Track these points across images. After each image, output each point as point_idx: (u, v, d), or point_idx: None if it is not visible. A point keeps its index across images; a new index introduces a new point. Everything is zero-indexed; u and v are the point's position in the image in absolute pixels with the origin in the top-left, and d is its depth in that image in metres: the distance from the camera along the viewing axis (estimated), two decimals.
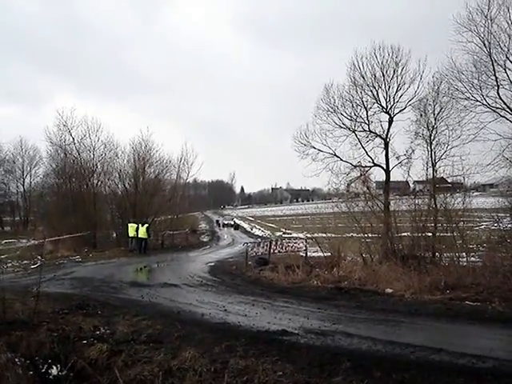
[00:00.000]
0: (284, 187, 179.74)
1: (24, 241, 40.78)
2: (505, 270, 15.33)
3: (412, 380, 7.26)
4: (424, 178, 22.20)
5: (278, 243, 25.67)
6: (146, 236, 33.93)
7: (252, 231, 58.96)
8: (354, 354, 8.62)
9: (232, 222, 79.72)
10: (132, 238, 34.32)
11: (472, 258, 18.10)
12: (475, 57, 19.07)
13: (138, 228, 33.89)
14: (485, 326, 11.02)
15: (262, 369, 7.94)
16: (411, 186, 25.62)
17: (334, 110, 23.58)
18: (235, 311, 12.98)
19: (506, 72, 18.67)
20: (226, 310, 13.02)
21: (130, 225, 34.35)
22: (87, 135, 39.66)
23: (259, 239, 36.03)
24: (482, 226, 26.08)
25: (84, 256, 31.21)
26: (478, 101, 19.29)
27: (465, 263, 17.56)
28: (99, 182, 41.12)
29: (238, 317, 12.19)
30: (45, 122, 45.41)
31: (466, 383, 6.98)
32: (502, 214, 20.04)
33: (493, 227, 21.55)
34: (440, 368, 7.75)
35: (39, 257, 28.50)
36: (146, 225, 34.73)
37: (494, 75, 18.83)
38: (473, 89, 19.32)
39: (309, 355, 8.63)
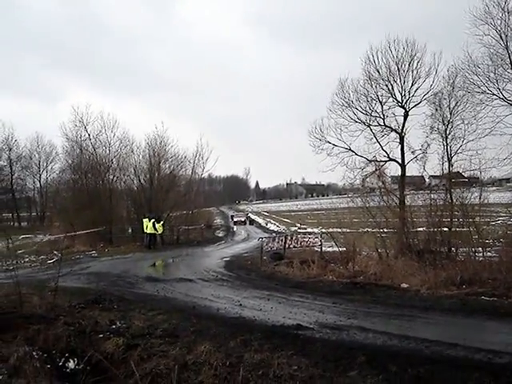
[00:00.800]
0: (299, 182, 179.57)
1: (41, 236, 41.08)
2: None
3: (427, 375, 7.24)
4: (440, 173, 22.05)
5: (293, 238, 25.66)
6: (159, 231, 34.21)
7: (267, 226, 59.02)
8: (369, 349, 8.61)
9: (243, 219, 78.64)
10: (147, 233, 34.51)
11: (488, 253, 17.96)
12: (491, 50, 18.89)
13: (153, 223, 34.08)
14: (501, 322, 10.94)
15: (277, 363, 7.97)
16: (427, 180, 25.48)
17: (349, 105, 23.51)
18: (250, 306, 13.00)
19: None
20: (241, 305, 13.05)
21: (144, 220, 34.51)
22: (103, 131, 39.97)
23: (274, 234, 36.03)
24: (499, 221, 25.85)
25: (100, 251, 31.46)
26: (494, 94, 19.13)
27: (481, 258, 17.41)
28: (115, 178, 41.33)
29: (253, 311, 12.22)
30: (60, 118, 46.85)
31: (481, 378, 6.94)
32: None
33: (509, 222, 21.40)
34: (455, 363, 7.72)
35: (56, 252, 28.75)
36: (162, 221, 35.07)
37: (511, 68, 18.65)
38: (489, 82, 19.16)
39: (324, 349, 8.64)
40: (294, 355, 8.36)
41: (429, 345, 8.79)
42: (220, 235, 51.96)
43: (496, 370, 7.31)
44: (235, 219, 77.94)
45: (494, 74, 19.02)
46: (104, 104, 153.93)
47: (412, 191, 24.42)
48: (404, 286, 15.43)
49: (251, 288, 16.10)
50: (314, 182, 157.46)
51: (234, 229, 61.27)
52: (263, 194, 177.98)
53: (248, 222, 75.27)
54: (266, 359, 8.19)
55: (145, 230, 34.09)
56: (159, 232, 35.13)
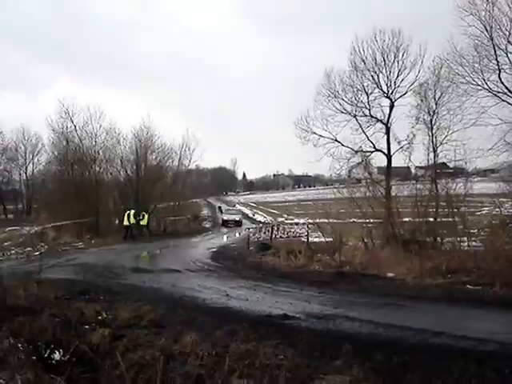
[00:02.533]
0: (286, 174, 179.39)
1: (27, 228, 40.81)
2: (506, 255, 15.31)
3: (413, 363, 7.26)
4: (425, 164, 22.19)
5: (280, 229, 25.74)
6: (144, 223, 34.46)
7: (254, 217, 59.06)
8: (355, 338, 8.63)
9: (237, 218, 53.80)
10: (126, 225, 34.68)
11: (473, 243, 18.13)
12: (476, 41, 18.97)
13: (135, 215, 34.33)
14: (486, 310, 11.07)
15: (264, 352, 7.95)
16: (413, 171, 25.61)
17: (335, 95, 23.58)
18: (237, 296, 13.02)
19: (507, 56, 18.59)
20: (227, 295, 13.05)
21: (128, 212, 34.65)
22: (89, 122, 39.63)
23: (261, 225, 36.07)
24: (484, 211, 26.08)
25: (87, 242, 31.33)
26: (479, 85, 19.22)
27: (466, 248, 17.59)
28: (101, 169, 41.15)
29: (239, 301, 12.24)
30: (45, 109, 45.99)
31: (466, 366, 6.97)
32: (504, 199, 20.04)
33: (494, 212, 21.55)
34: (441, 351, 7.76)
35: (42, 244, 28.60)
36: (144, 213, 35.32)
37: (496, 59, 18.74)
38: (474, 73, 19.24)
39: (310, 339, 8.64)
40: (280, 345, 8.35)
41: (414, 333, 8.84)
42: (207, 226, 51.96)
43: (481, 357, 7.34)
44: (225, 217, 52.03)
45: (479, 64, 19.12)
46: (90, 95, 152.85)
47: (398, 182, 24.53)
48: (390, 275, 15.52)
49: (238, 278, 16.15)
50: (301, 173, 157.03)
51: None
52: (250, 186, 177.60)
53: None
54: (253, 349, 8.16)
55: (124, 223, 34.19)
56: (144, 224, 35.30)
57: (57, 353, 9.23)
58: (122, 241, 32.75)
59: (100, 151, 40.58)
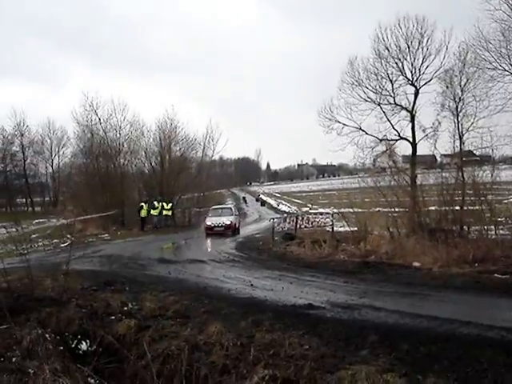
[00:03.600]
0: (310, 163, 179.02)
1: (54, 220, 41.35)
2: None
3: (439, 353, 7.20)
4: (451, 151, 21.88)
5: (305, 218, 25.68)
6: (168, 213, 34.82)
7: (278, 207, 58.93)
8: (380, 328, 8.58)
9: (227, 221, 33.17)
10: (156, 215, 35.00)
11: (501, 231, 17.88)
12: (503, 25, 18.59)
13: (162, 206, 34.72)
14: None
15: (289, 342, 7.96)
16: (438, 159, 25.30)
17: (359, 84, 23.30)
18: (261, 286, 13.03)
19: None
20: (252, 285, 13.07)
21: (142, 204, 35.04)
22: (113, 115, 40.10)
23: (285, 215, 36.07)
24: (511, 199, 25.69)
25: (112, 234, 31.68)
26: (506, 70, 18.88)
27: (493, 236, 17.33)
28: (126, 161, 41.56)
29: (264, 291, 12.23)
30: (70, 101, 46.06)
31: (494, 356, 6.88)
32: None
33: None
34: (468, 341, 7.67)
35: (69, 235, 28.93)
36: (171, 204, 35.69)
37: None
38: (501, 58, 18.90)
39: (335, 329, 8.62)
40: (305, 335, 8.36)
41: (441, 323, 8.74)
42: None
43: (509, 347, 7.25)
44: (208, 222, 30.76)
45: (506, 49, 18.75)
46: (114, 87, 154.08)
47: (423, 170, 24.27)
48: (416, 264, 15.36)
49: (262, 268, 16.14)
50: (325, 163, 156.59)
51: (246, 210, 61.10)
52: (274, 176, 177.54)
53: (260, 204, 70.22)
54: (277, 339, 8.18)
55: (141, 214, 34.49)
56: (169, 214, 35.73)
57: (84, 343, 9.36)
58: (148, 231, 32.98)
59: (124, 143, 41.06)
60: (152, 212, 34.76)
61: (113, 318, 10.37)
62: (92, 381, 7.68)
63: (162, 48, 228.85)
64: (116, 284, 13.50)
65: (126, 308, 11.09)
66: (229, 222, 29.80)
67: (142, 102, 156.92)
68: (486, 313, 9.74)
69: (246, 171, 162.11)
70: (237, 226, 31.34)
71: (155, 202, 35.08)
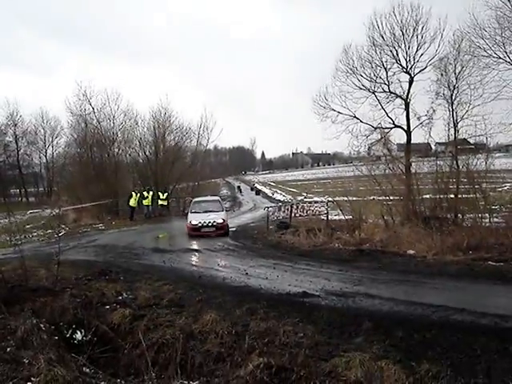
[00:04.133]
0: (305, 152, 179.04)
1: (48, 211, 41.21)
2: None
3: (433, 340, 7.24)
4: (446, 139, 21.86)
5: (299, 207, 25.66)
6: (135, 205, 34.61)
7: (273, 196, 58.87)
8: (375, 315, 8.62)
9: (218, 219, 24.01)
10: (147, 205, 34.98)
11: (495, 219, 17.93)
12: (498, 12, 18.51)
13: (153, 195, 35.04)
14: (508, 286, 10.94)
15: (283, 331, 7.99)
16: (433, 147, 25.30)
17: (353, 72, 23.22)
18: (256, 274, 13.05)
19: None
20: (247, 274, 13.10)
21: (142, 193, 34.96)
22: (107, 104, 39.75)
23: (280, 204, 36.07)
24: (506, 187, 25.79)
25: (107, 224, 31.54)
26: (500, 58, 18.81)
27: (488, 224, 17.37)
28: (120, 151, 41.32)
29: (259, 280, 12.26)
30: (61, 89, 45.90)
31: (488, 343, 6.93)
32: None
33: None
34: (462, 328, 7.72)
35: (63, 226, 28.86)
36: (166, 193, 35.62)
37: None
38: (495, 45, 18.83)
39: (330, 317, 8.66)
40: (299, 322, 8.39)
41: (435, 310, 8.78)
42: (226, 206, 52.00)
43: (503, 334, 7.29)
44: (193, 221, 23.35)
45: (501, 36, 18.68)
46: (107, 77, 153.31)
47: (418, 158, 24.27)
48: (410, 252, 15.40)
49: (257, 257, 16.13)
50: (320, 152, 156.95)
51: (241, 199, 61.03)
52: (269, 164, 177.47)
53: (255, 193, 69.15)
54: (272, 327, 8.22)
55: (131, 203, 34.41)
56: (164, 203, 35.73)
57: (78, 333, 9.37)
58: (142, 221, 32.92)
59: (118, 133, 40.78)
60: (144, 202, 34.70)
61: (107, 307, 10.40)
62: (87, 370, 7.66)
63: (157, 36, 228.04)
64: (110, 273, 13.50)
65: (120, 297, 11.11)
66: (221, 221, 23.17)
67: (136, 92, 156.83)
68: (479, 300, 9.79)
69: (241, 160, 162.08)
70: (226, 225, 23.61)
71: (145, 192, 35.01)
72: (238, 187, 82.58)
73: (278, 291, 10.89)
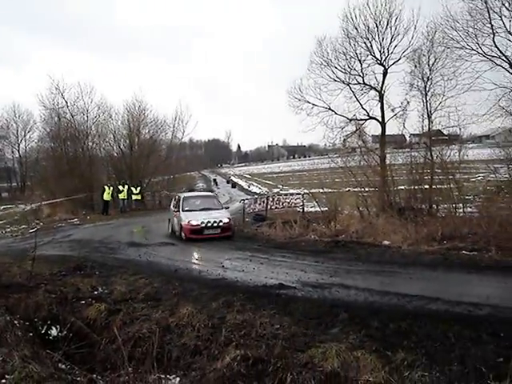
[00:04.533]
0: (280, 144, 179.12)
1: (22, 206, 40.73)
2: (501, 220, 15.33)
3: (409, 329, 7.29)
4: (420, 131, 22.05)
5: (275, 199, 25.68)
6: (109, 199, 34.38)
7: (249, 188, 58.86)
8: (351, 306, 8.67)
9: (225, 218, 19.56)
10: (123, 199, 34.77)
11: (469, 209, 18.14)
12: (470, 4, 18.64)
13: (128, 189, 34.84)
14: (481, 275, 11.08)
15: (260, 323, 8.00)
16: (408, 138, 25.49)
17: (328, 64, 23.26)
18: (233, 267, 13.06)
19: (501, 19, 18.28)
20: (223, 267, 13.10)
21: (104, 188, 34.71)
22: (80, 97, 39.24)
23: (256, 196, 36.06)
24: (479, 177, 26.03)
25: (82, 218, 31.28)
26: (473, 49, 18.96)
27: (462, 214, 17.60)
28: (94, 145, 40.88)
29: (235, 272, 12.27)
30: (34, 83, 45.06)
31: (462, 331, 7.00)
32: (499, 165, 19.97)
33: (489, 178, 21.52)
34: (436, 316, 7.79)
35: (37, 221, 28.56)
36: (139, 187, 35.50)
37: (490, 23, 18.44)
38: (468, 37, 18.96)
39: (306, 308, 8.68)
40: (276, 314, 8.40)
41: (410, 300, 8.87)
42: None
43: (476, 321, 7.38)
44: (193, 221, 18.94)
45: (473, 28, 18.81)
46: (80, 70, 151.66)
47: (393, 149, 24.44)
48: (386, 243, 15.51)
49: (234, 250, 16.15)
50: (296, 144, 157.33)
51: (216, 192, 60.94)
52: (245, 157, 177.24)
53: (231, 185, 68.64)
54: (249, 319, 8.22)
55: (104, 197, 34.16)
56: (138, 198, 35.60)
57: (53, 329, 9.27)
58: (118, 215, 32.70)
59: (92, 126, 40.31)
60: (119, 196, 34.49)
61: (83, 302, 10.32)
62: (62, 366, 7.58)
63: (131, 30, 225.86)
64: (86, 268, 13.42)
65: (96, 292, 11.04)
66: (227, 220, 19.35)
67: (110, 85, 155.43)
68: (454, 289, 9.92)
69: (217, 153, 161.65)
70: (230, 224, 19.69)
71: (120, 186, 34.79)
72: (214, 180, 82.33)
73: (254, 283, 10.89)
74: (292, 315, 8.32)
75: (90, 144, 40.29)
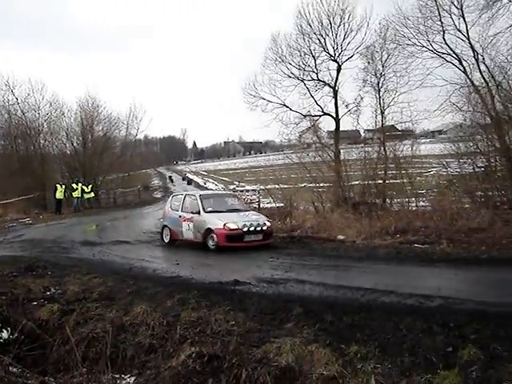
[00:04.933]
0: (236, 140, 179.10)
1: None
2: (452, 213, 15.70)
3: (362, 322, 7.36)
4: (374, 126, 22.39)
5: None
6: (62, 197, 33.77)
7: (205, 185, 58.67)
8: (305, 301, 8.69)
9: (262, 221, 15.59)
10: (77, 198, 34.19)
11: (421, 203, 18.53)
12: (421, 2, 19.11)
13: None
14: (433, 267, 11.30)
15: (215, 319, 7.95)
16: (362, 134, 25.85)
17: (282, 60, 23.50)
18: (188, 264, 13.04)
19: (451, 17, 18.77)
20: (178, 264, 13.00)
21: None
22: (31, 94, 38.52)
23: None
24: (432, 172, 26.56)
25: (34, 218, 30.60)
26: (424, 46, 19.43)
27: (414, 208, 17.94)
28: (46, 142, 40.25)
29: (190, 270, 12.21)
30: None
31: (413, 322, 7.09)
32: (450, 160, 20.42)
33: (441, 172, 21.99)
34: (389, 309, 7.88)
35: None
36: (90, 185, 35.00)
37: (440, 20, 18.92)
38: (419, 34, 19.43)
39: (261, 304, 8.67)
40: (231, 311, 8.36)
41: (364, 293, 8.95)
42: (158, 196, 51.52)
43: (427, 313, 7.50)
44: (231, 225, 13.97)
45: (424, 26, 19.27)
46: (31, 65, 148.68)
47: (348, 145, 24.76)
48: (340, 237, 15.70)
49: (188, 248, 16.05)
50: (252, 140, 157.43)
51: (172, 189, 60.55)
52: (201, 154, 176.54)
53: (186, 182, 68.93)
54: (204, 316, 8.16)
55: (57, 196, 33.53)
56: (91, 196, 35.13)
57: (4, 331, 9.03)
58: (72, 214, 32.17)
59: (44, 124, 39.75)
60: (73, 194, 33.94)
61: (35, 303, 10.07)
62: (14, 369, 7.42)
63: (84, 26, 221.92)
64: (37, 269, 13.09)
65: (48, 293, 10.80)
66: (269, 224, 15.98)
67: (62, 83, 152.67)
68: (406, 281, 10.07)
69: (172, 150, 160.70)
70: (270, 228, 16.15)
71: (73, 184, 34.25)
72: (170, 177, 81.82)
73: (209, 280, 10.82)
74: (247, 311, 8.30)
75: (42, 142, 39.76)
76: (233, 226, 14.99)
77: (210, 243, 15.14)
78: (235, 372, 6.34)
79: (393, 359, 6.04)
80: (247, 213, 16.65)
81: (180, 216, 16.73)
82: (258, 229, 15.28)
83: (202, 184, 61.29)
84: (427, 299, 8.22)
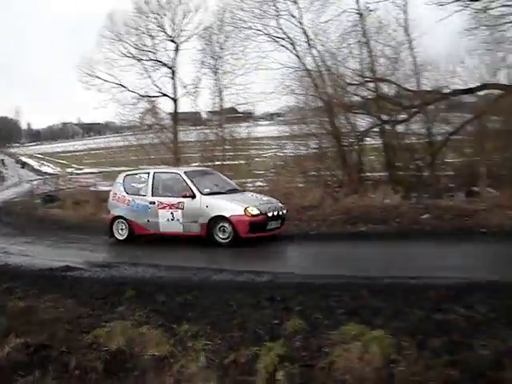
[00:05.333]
0: (75, 122, 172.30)
1: None
2: (287, 192, 16.37)
3: (194, 300, 7.46)
4: (213, 108, 22.63)
5: (68, 179, 24.92)
6: None
7: (40, 169, 56.21)
8: (138, 283, 8.66)
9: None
10: None
11: (259, 183, 19.06)
12: None
13: None
14: (266, 245, 11.66)
15: (43, 307, 7.68)
16: (204, 116, 26.07)
17: (119, 39, 22.93)
18: (17, 252, 12.37)
19: (285, 2, 19.34)
20: (6, 252, 12.32)
21: None
22: None
23: (47, 176, 34.41)
24: (270, 153, 27.47)
25: None
26: (259, 30, 19.88)
27: (252, 188, 18.42)
28: None
29: (19, 257, 11.64)
30: None
31: (243, 298, 7.31)
32: (287, 141, 21.22)
33: (279, 154, 22.81)
34: (221, 286, 8.09)
35: None
36: None
37: (275, 5, 19.43)
38: (255, 18, 19.84)
39: (92, 288, 8.50)
40: (61, 297, 8.11)
41: (196, 272, 9.09)
42: None
43: (257, 288, 7.79)
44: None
45: (260, 10, 19.68)
46: None
47: (189, 127, 24.85)
48: None
49: (20, 233, 15.41)
50: (91, 121, 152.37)
51: (4, 174, 57.17)
52: (37, 136, 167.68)
53: (20, 166, 66.77)
54: (31, 305, 7.85)
55: None
56: None
57: None
58: None
59: None
60: None
61: None
62: None
63: None
64: None
65: None
66: (285, 211, 12.75)
67: None
68: (240, 260, 10.42)
69: (5, 132, 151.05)
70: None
71: None
72: (2, 161, 77.02)
73: (39, 267, 10.38)
74: (77, 297, 8.08)
75: None
76: (255, 212, 11.61)
77: (220, 236, 11.66)
78: (64, 360, 6.19)
79: (223, 335, 6.19)
80: (249, 193, 13.72)
81: (153, 202, 12.66)
82: (280, 213, 12.28)
83: (37, 167, 58.67)
84: (257, 275, 8.54)
